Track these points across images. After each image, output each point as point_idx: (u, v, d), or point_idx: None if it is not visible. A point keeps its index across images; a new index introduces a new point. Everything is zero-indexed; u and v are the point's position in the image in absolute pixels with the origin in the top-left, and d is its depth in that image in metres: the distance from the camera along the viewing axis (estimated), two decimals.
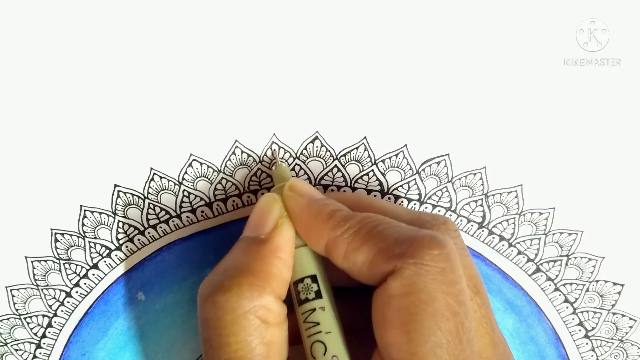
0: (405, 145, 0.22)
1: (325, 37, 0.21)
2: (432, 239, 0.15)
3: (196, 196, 0.22)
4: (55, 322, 0.24)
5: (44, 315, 0.24)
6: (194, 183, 0.22)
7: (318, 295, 0.17)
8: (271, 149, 0.21)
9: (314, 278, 0.17)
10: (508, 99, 0.21)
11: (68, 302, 0.24)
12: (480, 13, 0.20)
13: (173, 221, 0.23)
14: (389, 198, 0.23)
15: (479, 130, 0.22)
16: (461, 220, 0.23)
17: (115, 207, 0.22)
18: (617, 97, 0.21)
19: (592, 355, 0.25)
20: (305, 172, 0.22)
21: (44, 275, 0.23)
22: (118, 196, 0.22)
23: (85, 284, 0.24)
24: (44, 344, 0.25)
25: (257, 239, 0.17)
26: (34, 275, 0.23)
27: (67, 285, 0.24)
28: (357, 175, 0.22)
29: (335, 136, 0.22)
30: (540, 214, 0.23)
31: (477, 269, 0.18)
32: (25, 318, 0.24)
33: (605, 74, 0.21)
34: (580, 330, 0.24)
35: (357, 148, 0.22)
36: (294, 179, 0.19)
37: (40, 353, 0.25)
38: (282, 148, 0.22)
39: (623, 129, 0.22)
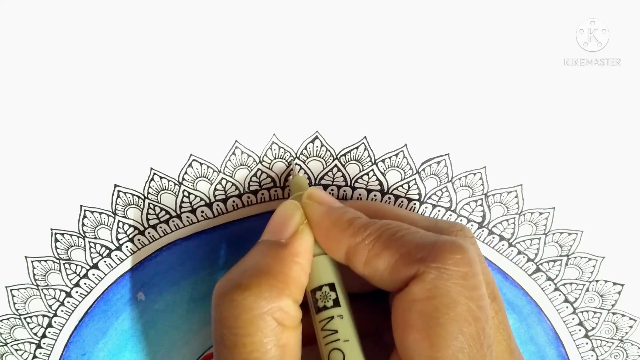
0: (405, 145, 0.22)
1: (325, 38, 0.21)
2: (453, 243, 0.15)
3: (196, 196, 0.22)
4: (55, 322, 0.24)
5: (44, 315, 0.24)
6: (194, 183, 0.22)
7: (336, 303, 0.17)
8: (286, 161, 0.22)
9: (332, 286, 0.17)
10: (508, 99, 0.21)
11: (68, 302, 0.24)
12: (480, 13, 0.20)
13: (173, 221, 0.23)
14: (389, 198, 0.23)
15: (479, 130, 0.22)
16: (461, 220, 0.23)
17: (115, 207, 0.22)
18: (617, 97, 0.21)
19: (592, 355, 0.25)
20: (306, 172, 0.22)
21: (44, 275, 0.23)
22: (118, 196, 0.22)
23: (85, 284, 0.24)
24: (44, 344, 0.25)
25: (277, 243, 0.17)
26: (34, 275, 0.23)
27: (67, 285, 0.24)
28: (357, 175, 0.22)
29: (335, 136, 0.22)
30: (540, 213, 0.23)
31: (492, 276, 0.18)
32: (25, 318, 0.24)
33: (605, 74, 0.21)
34: (580, 330, 0.24)
35: (357, 148, 0.22)
36: (312, 187, 0.19)
37: (40, 353, 0.25)
38: (282, 148, 0.22)
39: (623, 129, 0.22)
